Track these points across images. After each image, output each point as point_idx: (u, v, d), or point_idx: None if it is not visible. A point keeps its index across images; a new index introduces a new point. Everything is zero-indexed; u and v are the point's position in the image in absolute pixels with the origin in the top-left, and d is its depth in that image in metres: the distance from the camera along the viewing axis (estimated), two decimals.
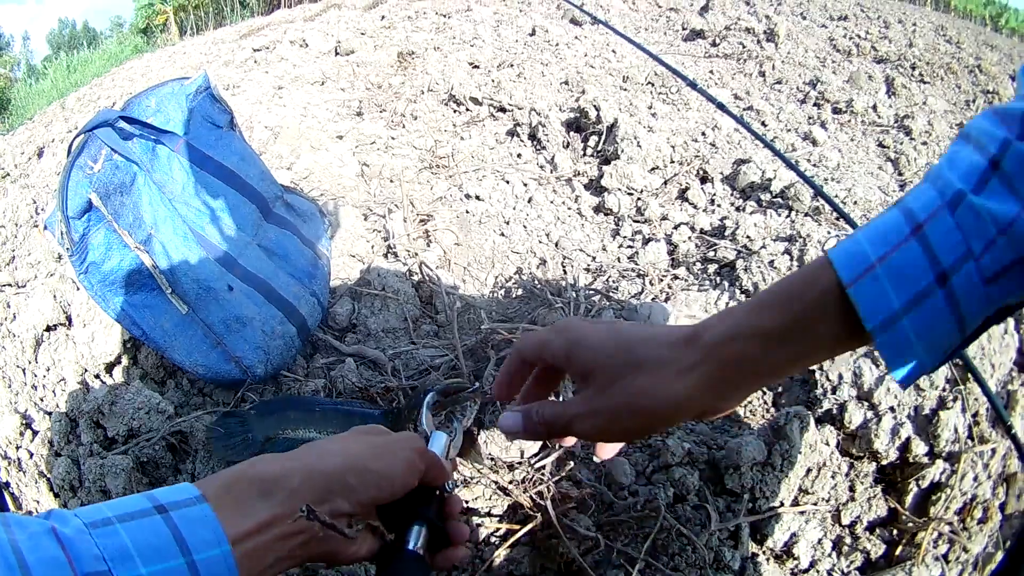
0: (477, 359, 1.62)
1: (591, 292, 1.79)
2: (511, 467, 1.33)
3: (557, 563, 1.24)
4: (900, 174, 2.38)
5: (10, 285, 2.36)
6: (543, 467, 1.33)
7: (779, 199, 2.04)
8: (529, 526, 1.26)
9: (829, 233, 1.84)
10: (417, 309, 1.85)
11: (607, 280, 1.89)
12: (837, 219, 1.92)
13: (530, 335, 0.68)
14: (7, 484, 1.59)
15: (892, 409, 1.45)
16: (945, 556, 1.35)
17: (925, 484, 1.39)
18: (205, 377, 1.60)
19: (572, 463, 1.35)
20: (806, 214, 1.97)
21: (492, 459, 1.33)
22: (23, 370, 1.84)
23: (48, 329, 1.89)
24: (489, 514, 1.32)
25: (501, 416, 0.70)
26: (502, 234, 2.17)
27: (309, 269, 1.80)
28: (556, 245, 2.09)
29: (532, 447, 1.34)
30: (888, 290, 0.53)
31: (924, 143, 2.55)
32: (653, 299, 1.78)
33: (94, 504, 0.57)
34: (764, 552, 1.34)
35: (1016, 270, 0.52)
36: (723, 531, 1.31)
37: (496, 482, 1.31)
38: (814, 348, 0.56)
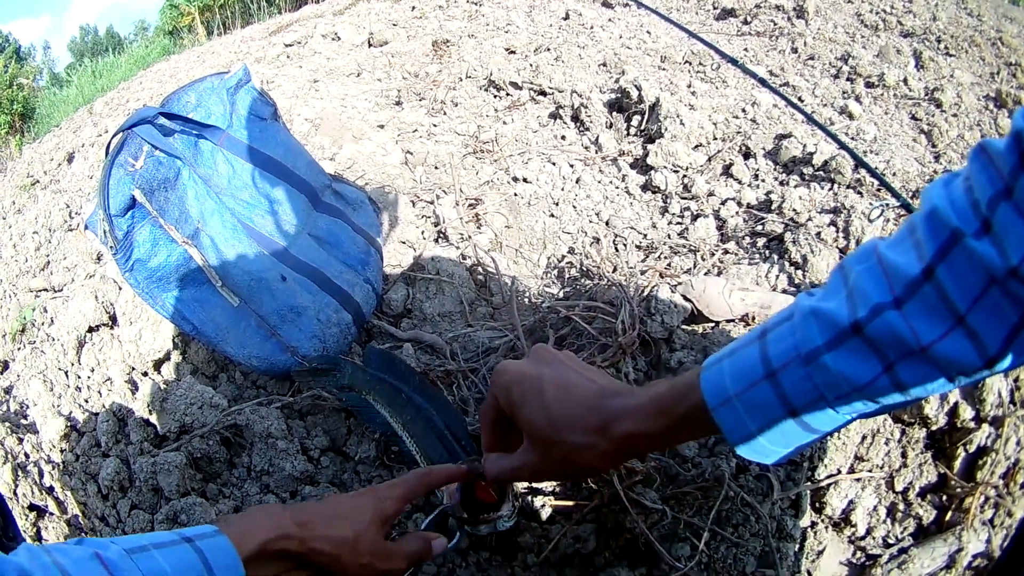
0: (536, 339, 1.61)
1: (645, 268, 1.79)
2: None
3: (624, 539, 1.25)
4: (934, 146, 2.36)
5: (46, 290, 2.38)
6: None
7: (821, 172, 2.03)
8: (594, 502, 1.27)
9: (871, 204, 1.83)
10: (472, 292, 1.85)
11: (659, 256, 1.89)
12: (878, 190, 1.91)
13: (486, 402, 0.92)
14: (51, 488, 1.58)
15: None
16: (991, 521, 1.35)
17: (972, 449, 1.39)
18: (259, 369, 1.58)
19: None
20: (848, 186, 1.96)
21: None
22: (66, 373, 1.85)
23: (91, 330, 1.89)
24: (553, 493, 1.33)
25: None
26: (552, 215, 2.18)
27: (362, 256, 1.79)
28: (607, 224, 2.08)
29: None
30: (744, 417, 0.67)
31: (955, 115, 2.53)
32: (706, 273, 1.78)
33: (126, 536, 0.70)
34: (823, 520, 1.35)
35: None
36: (784, 500, 1.32)
37: None
38: (686, 439, 0.81)
